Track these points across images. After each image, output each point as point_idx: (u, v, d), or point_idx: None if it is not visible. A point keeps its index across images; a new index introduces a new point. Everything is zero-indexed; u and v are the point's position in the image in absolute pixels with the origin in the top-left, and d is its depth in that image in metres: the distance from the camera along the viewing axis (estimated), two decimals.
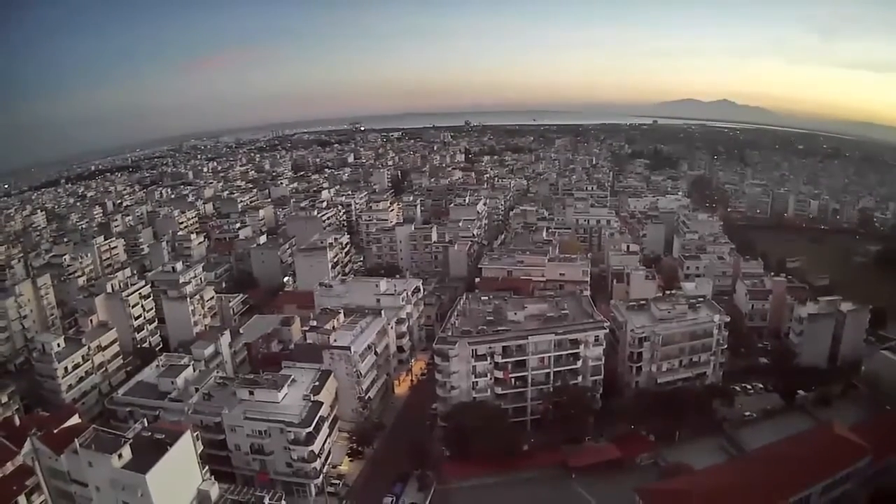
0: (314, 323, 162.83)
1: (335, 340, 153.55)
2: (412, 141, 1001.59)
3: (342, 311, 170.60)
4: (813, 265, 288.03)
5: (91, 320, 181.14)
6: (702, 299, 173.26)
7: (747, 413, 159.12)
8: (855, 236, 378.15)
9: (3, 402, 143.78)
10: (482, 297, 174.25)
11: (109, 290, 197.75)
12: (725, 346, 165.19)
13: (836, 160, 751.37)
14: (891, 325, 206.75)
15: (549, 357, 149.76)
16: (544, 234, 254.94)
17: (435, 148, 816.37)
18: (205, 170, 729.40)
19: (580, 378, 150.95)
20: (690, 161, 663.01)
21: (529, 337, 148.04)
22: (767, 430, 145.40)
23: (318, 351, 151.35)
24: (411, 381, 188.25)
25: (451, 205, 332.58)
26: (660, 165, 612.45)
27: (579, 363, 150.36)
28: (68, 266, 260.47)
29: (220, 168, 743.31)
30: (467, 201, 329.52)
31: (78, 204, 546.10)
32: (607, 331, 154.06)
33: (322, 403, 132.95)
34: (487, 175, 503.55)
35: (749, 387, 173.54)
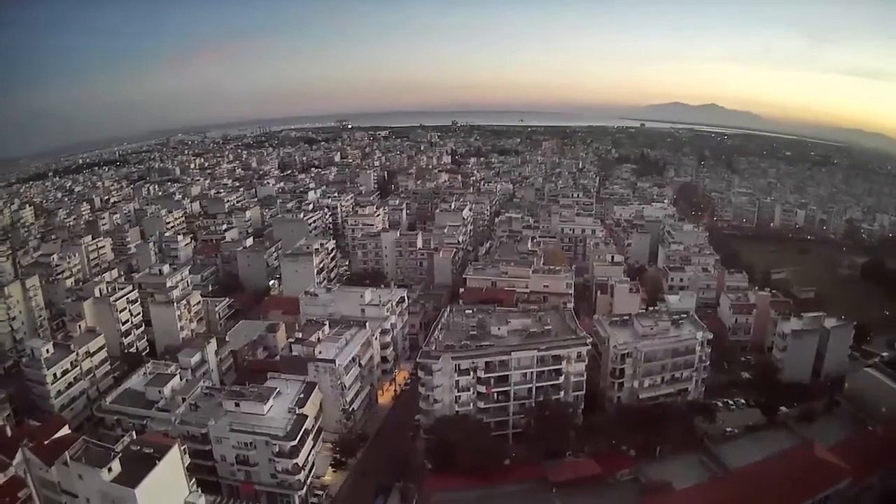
0: (299, 335, 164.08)
1: (320, 352, 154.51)
2: (399, 140, 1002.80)
3: (327, 322, 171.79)
4: (798, 277, 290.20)
5: (79, 326, 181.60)
6: (685, 315, 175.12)
7: (729, 429, 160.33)
8: (841, 248, 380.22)
9: None
10: (466, 311, 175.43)
11: (97, 294, 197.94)
12: (708, 363, 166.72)
13: (824, 168, 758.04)
14: (875, 340, 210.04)
15: (532, 372, 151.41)
16: (529, 244, 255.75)
17: (422, 148, 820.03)
18: (192, 166, 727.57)
19: (562, 393, 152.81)
20: (677, 167, 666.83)
21: (512, 353, 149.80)
22: (748, 447, 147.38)
23: (303, 363, 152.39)
24: (395, 390, 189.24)
25: (437, 210, 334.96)
26: (646, 171, 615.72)
27: (561, 378, 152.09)
28: (56, 266, 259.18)
29: (206, 164, 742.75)
30: (453, 207, 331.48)
31: (65, 199, 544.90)
32: (590, 347, 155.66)
33: (307, 416, 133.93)
34: (473, 178, 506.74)
35: (731, 402, 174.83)
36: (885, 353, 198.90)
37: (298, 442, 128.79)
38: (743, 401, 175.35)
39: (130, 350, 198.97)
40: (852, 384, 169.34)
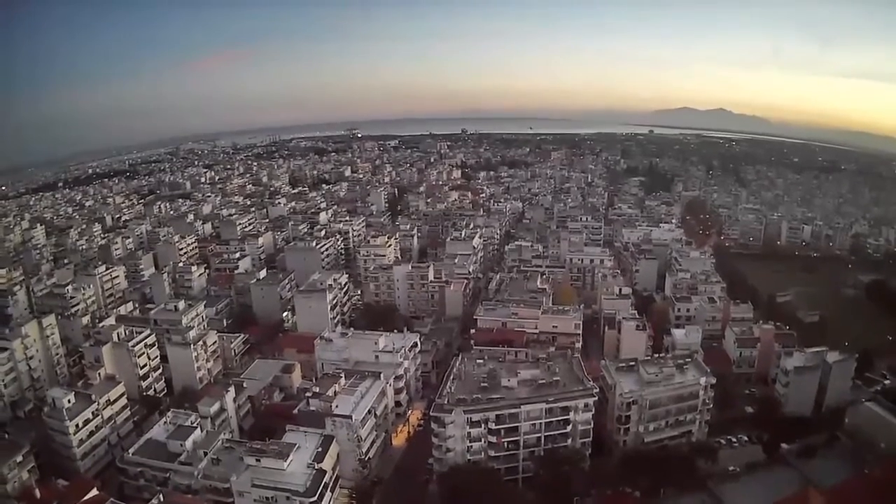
0: (316, 389, 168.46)
1: (336, 406, 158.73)
2: (409, 151, 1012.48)
3: (343, 375, 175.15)
4: (803, 300, 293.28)
5: (99, 373, 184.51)
6: (689, 360, 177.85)
7: (731, 467, 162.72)
8: (847, 265, 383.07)
9: (18, 461, 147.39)
10: (477, 360, 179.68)
11: (115, 338, 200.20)
12: (711, 405, 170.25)
13: (832, 175, 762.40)
14: (878, 365, 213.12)
15: (541, 423, 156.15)
16: (538, 281, 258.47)
17: (432, 160, 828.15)
18: (203, 180, 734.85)
19: (570, 441, 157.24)
20: (685, 180, 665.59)
21: (522, 406, 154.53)
22: (750, 486, 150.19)
23: (320, 417, 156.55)
24: (408, 431, 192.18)
25: (448, 238, 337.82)
26: (655, 185, 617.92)
27: (569, 427, 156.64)
28: (71, 298, 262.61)
29: (217, 178, 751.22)
30: (463, 235, 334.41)
31: (76, 215, 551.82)
32: (596, 398, 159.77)
33: (326, 472, 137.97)
34: (483, 195, 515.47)
35: (734, 439, 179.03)
36: (886, 381, 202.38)
37: (318, 497, 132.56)
38: (745, 437, 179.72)
39: (148, 392, 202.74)
40: (852, 419, 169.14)
